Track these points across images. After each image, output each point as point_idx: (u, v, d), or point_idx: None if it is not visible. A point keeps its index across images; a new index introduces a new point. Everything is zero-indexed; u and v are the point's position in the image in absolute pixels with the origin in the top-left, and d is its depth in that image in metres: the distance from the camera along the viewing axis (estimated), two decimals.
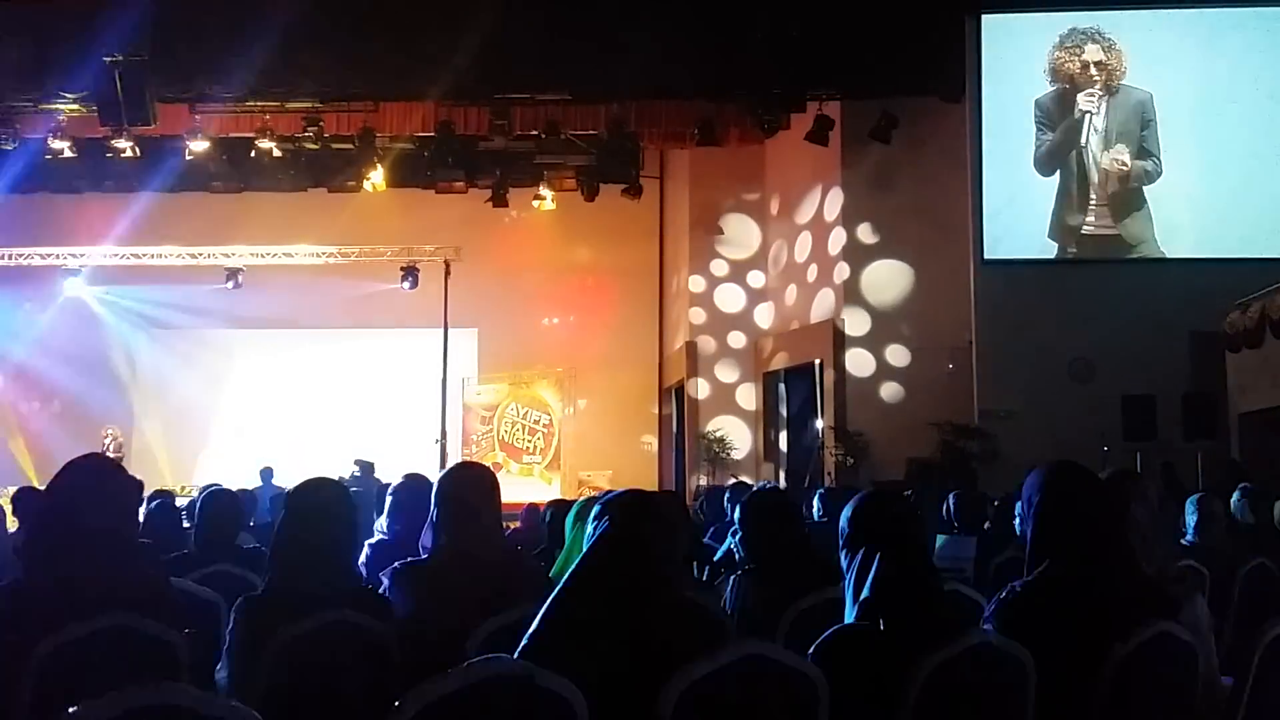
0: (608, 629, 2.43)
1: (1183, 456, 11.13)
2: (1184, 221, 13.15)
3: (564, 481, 17.08)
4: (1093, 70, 13.10)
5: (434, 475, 12.66)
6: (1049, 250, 13.18)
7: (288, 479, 12.00)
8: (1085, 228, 13.10)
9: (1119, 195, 13.09)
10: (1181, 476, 10.44)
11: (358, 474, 13.03)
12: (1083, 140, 13.12)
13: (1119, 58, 13.09)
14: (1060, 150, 13.18)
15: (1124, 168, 13.02)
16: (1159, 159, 13.02)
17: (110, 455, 12.94)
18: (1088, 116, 13.09)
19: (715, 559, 6.11)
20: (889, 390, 14.50)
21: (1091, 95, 13.10)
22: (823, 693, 2.30)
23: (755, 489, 5.32)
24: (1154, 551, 3.16)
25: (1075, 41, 13.15)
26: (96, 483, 2.78)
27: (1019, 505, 3.02)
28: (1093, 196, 13.12)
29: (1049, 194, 13.20)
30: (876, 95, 13.88)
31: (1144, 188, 13.09)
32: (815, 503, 7.53)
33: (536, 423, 17.76)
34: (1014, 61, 13.34)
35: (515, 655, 2.26)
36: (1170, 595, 2.84)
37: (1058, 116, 13.22)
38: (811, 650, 2.47)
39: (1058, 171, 13.17)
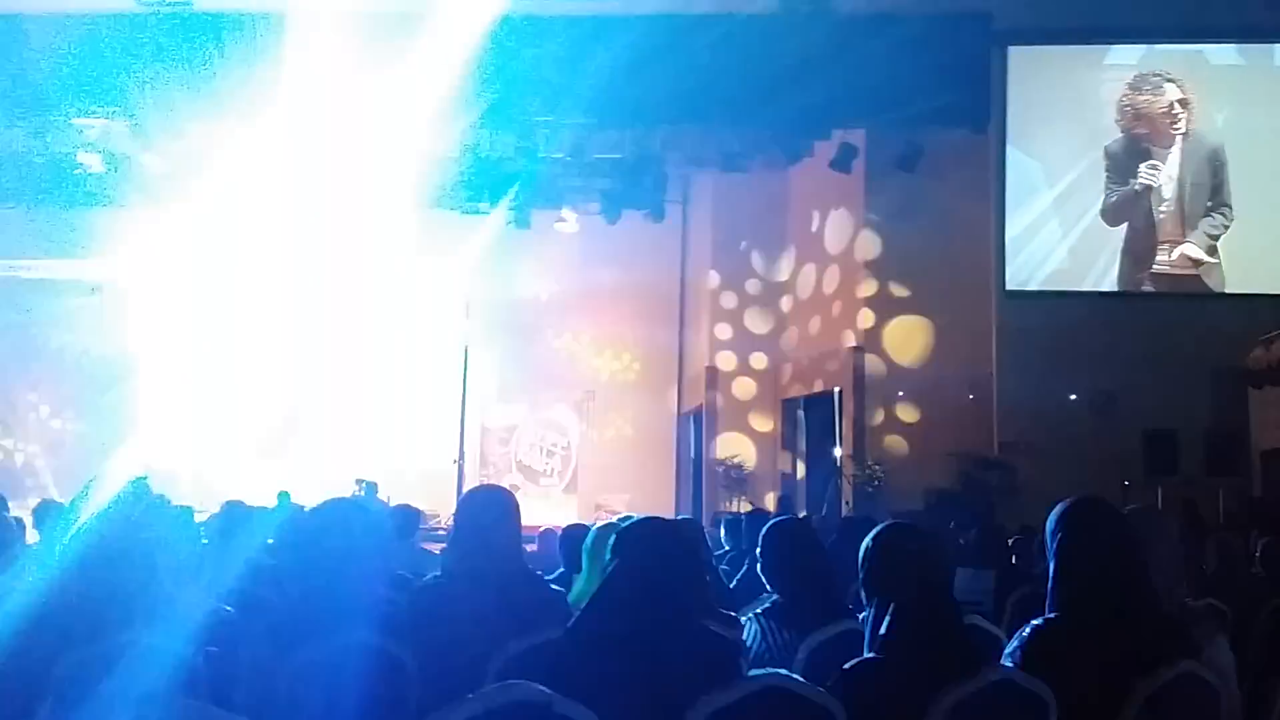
0: (625, 658, 2.43)
1: (1204, 493, 11.05)
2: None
3: (581, 505, 17.06)
4: (1176, 110, 13.03)
5: (452, 497, 12.67)
6: (1082, 285, 13.13)
7: (306, 499, 12.03)
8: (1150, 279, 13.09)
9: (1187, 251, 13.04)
10: (1203, 513, 10.35)
11: (360, 494, 13.09)
12: (1154, 191, 13.08)
13: (1190, 102, 13.01)
14: (1129, 201, 13.13)
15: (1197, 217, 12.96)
16: (1230, 208, 12.95)
17: (136, 472, 12.99)
18: (1159, 167, 13.00)
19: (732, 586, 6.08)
20: (908, 420, 14.44)
21: (1164, 146, 13.01)
22: None
23: (774, 517, 5.31)
24: (1176, 589, 3.13)
25: (1151, 86, 13.07)
26: (123, 503, 2.79)
27: (1042, 539, 3.00)
28: (1162, 247, 13.07)
29: (1072, 226, 13.18)
30: (901, 125, 13.88)
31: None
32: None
33: (554, 445, 17.76)
34: (1041, 94, 13.35)
35: (533, 682, 2.26)
36: (1192, 634, 2.82)
37: (1126, 165, 13.14)
38: (830, 682, 2.46)
39: (1125, 223, 13.13)
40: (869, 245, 14.86)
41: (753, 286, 17.14)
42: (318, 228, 17.78)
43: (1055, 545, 2.83)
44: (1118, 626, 2.68)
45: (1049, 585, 2.84)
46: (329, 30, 12.72)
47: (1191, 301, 12.86)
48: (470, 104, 13.11)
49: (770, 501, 15.36)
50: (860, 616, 2.78)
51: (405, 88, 13.13)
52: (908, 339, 14.58)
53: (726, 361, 17.05)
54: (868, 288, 14.80)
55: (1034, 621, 2.79)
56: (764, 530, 3.94)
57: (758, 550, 3.89)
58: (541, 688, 1.96)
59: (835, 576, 3.82)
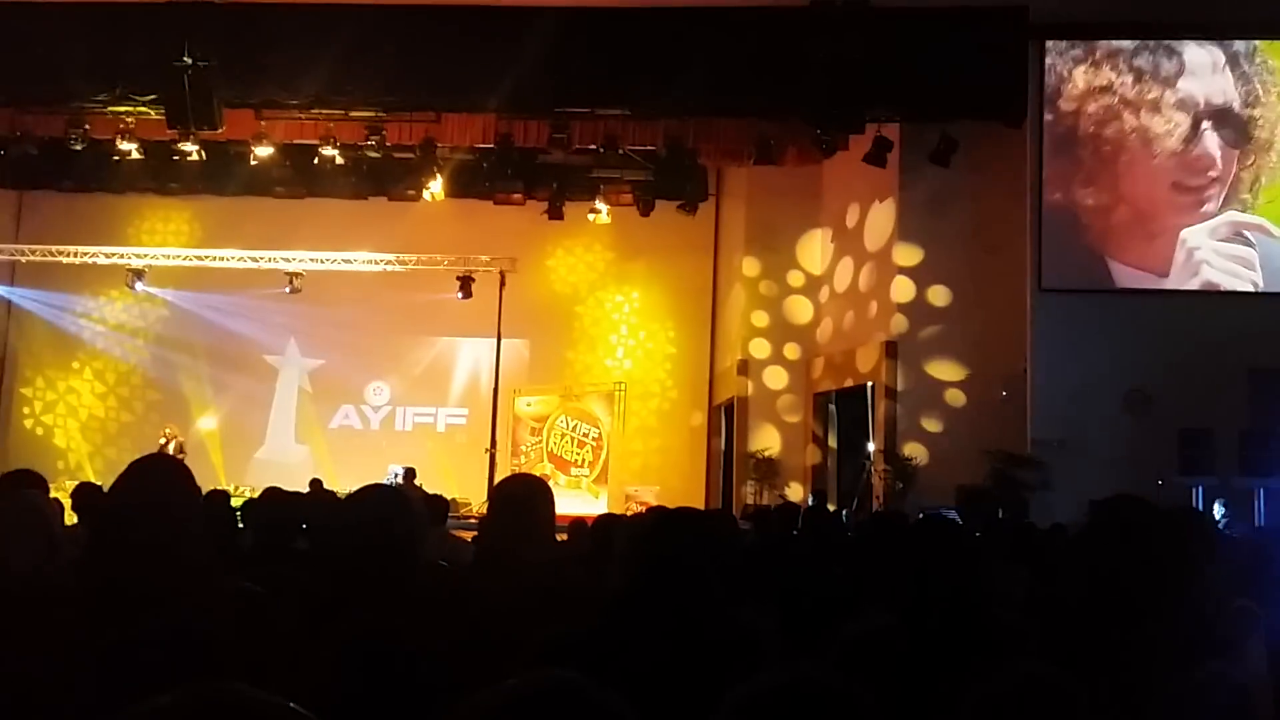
0: (658, 647, 2.44)
1: (1240, 492, 10.95)
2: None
3: (611, 495, 17.10)
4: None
5: (483, 485, 12.74)
6: (1107, 280, 13.00)
7: (338, 485, 12.15)
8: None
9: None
10: (1240, 513, 10.28)
11: (399, 482, 13.18)
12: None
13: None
14: None
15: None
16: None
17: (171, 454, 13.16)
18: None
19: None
20: (940, 416, 14.38)
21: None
22: (873, 718, 2.29)
23: (805, 510, 5.31)
24: (1211, 588, 3.11)
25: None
26: (158, 486, 2.82)
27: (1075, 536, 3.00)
28: None
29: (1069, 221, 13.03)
30: (936, 118, 13.80)
31: None
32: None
33: (586, 435, 17.80)
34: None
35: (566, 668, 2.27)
36: (1226, 633, 2.81)
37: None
38: (856, 669, 2.46)
39: None
40: (902, 239, 14.79)
41: (785, 280, 17.10)
42: (353, 218, 17.92)
43: (1087, 540, 2.82)
44: (1150, 624, 2.67)
45: (1082, 580, 2.83)
46: (366, 19, 12.80)
47: (1229, 299, 12.72)
48: (503, 94, 13.15)
49: (800, 494, 15.36)
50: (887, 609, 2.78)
51: (442, 79, 13.21)
52: (941, 334, 14.52)
53: (760, 351, 17.03)
54: (901, 281, 14.74)
55: (1063, 615, 2.78)
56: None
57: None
58: (576, 674, 1.97)
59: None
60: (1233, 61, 12.77)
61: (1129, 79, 12.77)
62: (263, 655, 2.93)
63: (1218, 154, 12.59)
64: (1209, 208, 12.70)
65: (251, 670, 2.71)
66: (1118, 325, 12.72)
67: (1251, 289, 12.59)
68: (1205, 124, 12.64)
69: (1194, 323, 12.43)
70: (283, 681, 2.79)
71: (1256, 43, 12.80)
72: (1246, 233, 12.54)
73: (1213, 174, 12.57)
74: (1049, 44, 13.07)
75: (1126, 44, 12.93)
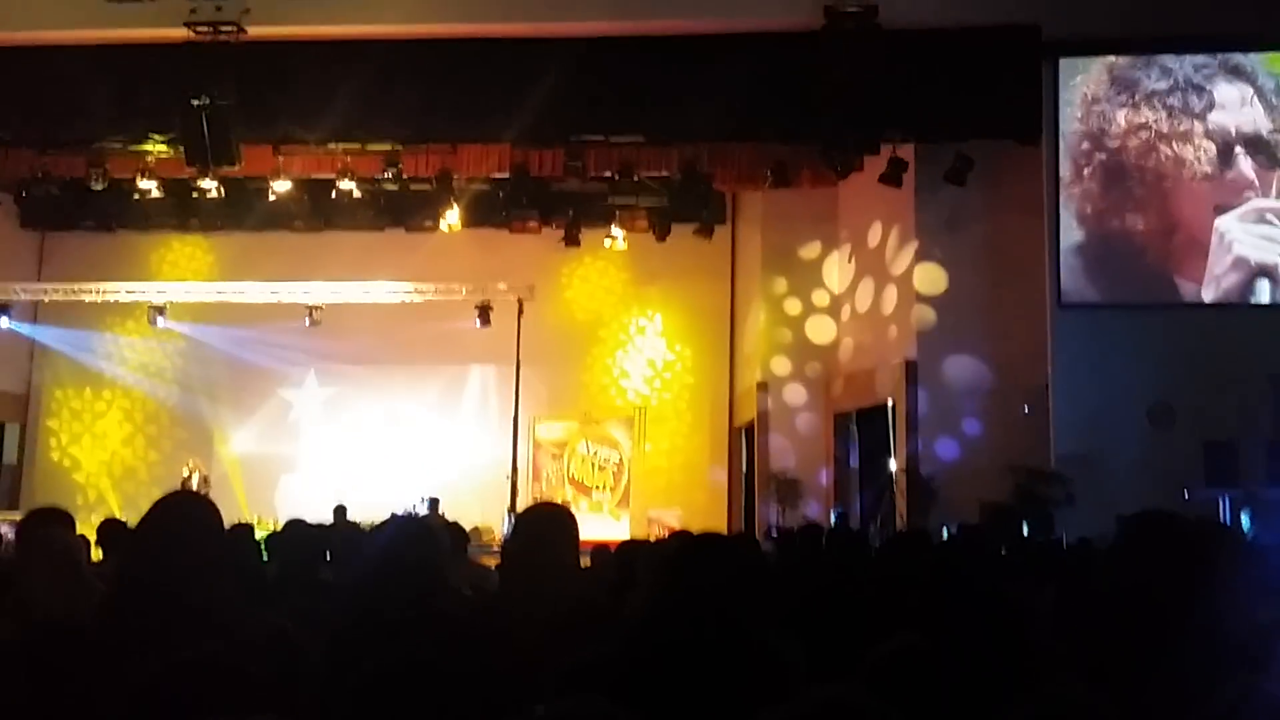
0: (683, 673, 2.44)
1: (1267, 503, 10.86)
2: None
3: (633, 520, 17.08)
4: None
5: (504, 511, 12.73)
6: (1175, 296, 12.94)
7: (361, 514, 12.17)
8: None
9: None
10: (1267, 523, 10.18)
11: (422, 511, 13.19)
12: None
13: None
14: None
15: None
16: None
17: (196, 490, 13.22)
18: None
19: None
20: (962, 433, 14.33)
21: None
22: None
23: (828, 531, 5.29)
24: (1243, 602, 3.08)
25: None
26: (185, 522, 2.84)
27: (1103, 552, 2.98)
28: None
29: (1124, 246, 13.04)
30: (951, 138, 13.81)
31: None
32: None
33: (606, 460, 17.80)
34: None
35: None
36: (1261, 648, 2.78)
37: None
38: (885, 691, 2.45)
39: None
40: (920, 258, 14.78)
41: (803, 301, 17.11)
42: (371, 249, 18.02)
43: (1120, 560, 2.80)
44: (1180, 640, 2.64)
45: (1109, 597, 2.81)
46: (382, 53, 12.90)
47: (1251, 310, 12.65)
48: (519, 125, 13.23)
49: (823, 515, 15.30)
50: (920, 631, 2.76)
51: (458, 110, 13.30)
52: (961, 351, 14.48)
53: (777, 376, 17.01)
54: (920, 300, 14.72)
55: (1091, 635, 2.76)
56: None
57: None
58: (603, 701, 1.97)
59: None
60: (1260, 94, 12.91)
61: (1164, 114, 12.95)
62: (291, 689, 2.93)
63: (1254, 176, 12.79)
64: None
65: (281, 705, 2.72)
66: (1139, 339, 12.66)
67: (1279, 262, 12.68)
68: (1238, 149, 12.81)
69: (1216, 334, 12.36)
70: (312, 715, 2.80)
71: None
72: (1270, 216, 12.69)
73: (1250, 194, 12.75)
74: (1092, 89, 13.08)
75: (1162, 85, 12.98)
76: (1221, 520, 10.30)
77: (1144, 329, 12.75)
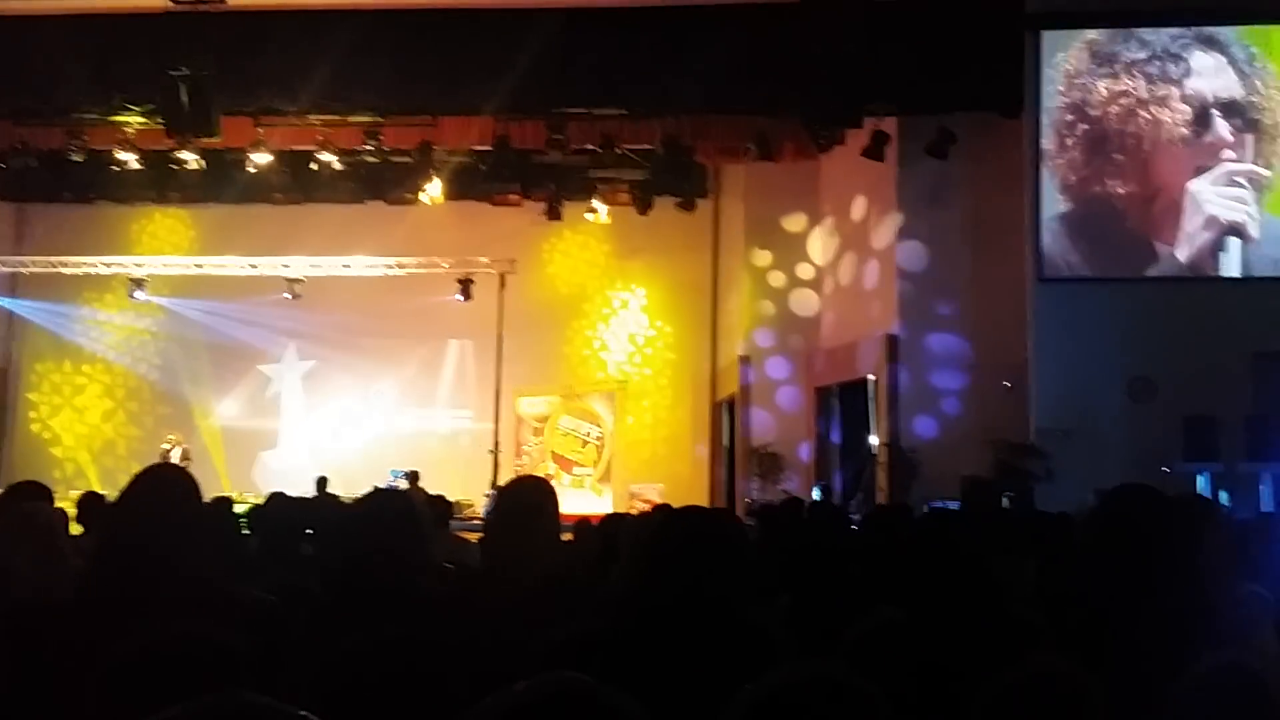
0: (667, 648, 2.44)
1: (1245, 478, 10.94)
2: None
3: (615, 494, 17.10)
4: None
5: (487, 486, 12.72)
6: (1152, 259, 13.00)
7: (342, 488, 12.16)
8: None
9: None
10: (1245, 500, 10.26)
11: (403, 484, 13.19)
12: None
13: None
14: None
15: None
16: None
17: (176, 463, 13.16)
18: None
19: None
20: (943, 407, 14.38)
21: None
22: (884, 714, 2.29)
23: (810, 505, 5.30)
24: (1223, 577, 3.11)
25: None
26: (166, 495, 2.82)
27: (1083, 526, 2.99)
28: None
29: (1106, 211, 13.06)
30: (933, 111, 13.79)
31: None
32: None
33: (588, 435, 17.80)
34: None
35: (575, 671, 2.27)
36: (1239, 622, 2.80)
37: None
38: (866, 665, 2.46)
39: None
40: (902, 232, 14.78)
41: (785, 275, 17.10)
42: (352, 222, 17.92)
43: (1099, 533, 2.82)
44: (1158, 614, 2.66)
45: (1089, 572, 2.83)
46: (363, 24, 12.79)
47: (1231, 285, 12.71)
48: (500, 97, 13.15)
49: (804, 490, 15.35)
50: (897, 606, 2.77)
51: (439, 82, 13.21)
52: (942, 325, 14.52)
53: (759, 350, 17.03)
54: (902, 274, 14.73)
55: (1073, 607, 2.78)
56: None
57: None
58: (586, 676, 1.97)
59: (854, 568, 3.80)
60: (1232, 62, 12.94)
61: (1142, 81, 12.98)
62: (273, 663, 2.93)
63: (1230, 138, 12.85)
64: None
65: (262, 679, 2.71)
66: (1120, 313, 12.70)
67: (1247, 220, 12.73)
68: (1214, 112, 12.88)
69: (1197, 308, 12.41)
70: (294, 689, 2.80)
71: (1254, 48, 12.93)
72: (1239, 179, 12.78)
73: (1226, 154, 12.82)
74: (1074, 64, 13.06)
75: (1140, 55, 12.97)
76: (1202, 495, 10.37)
77: (1125, 303, 12.79)
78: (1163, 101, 12.98)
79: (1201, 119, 12.92)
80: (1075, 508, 7.37)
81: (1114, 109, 13.09)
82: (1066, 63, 13.08)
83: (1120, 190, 13.04)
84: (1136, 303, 12.73)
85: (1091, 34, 13.09)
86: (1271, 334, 11.75)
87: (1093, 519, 2.88)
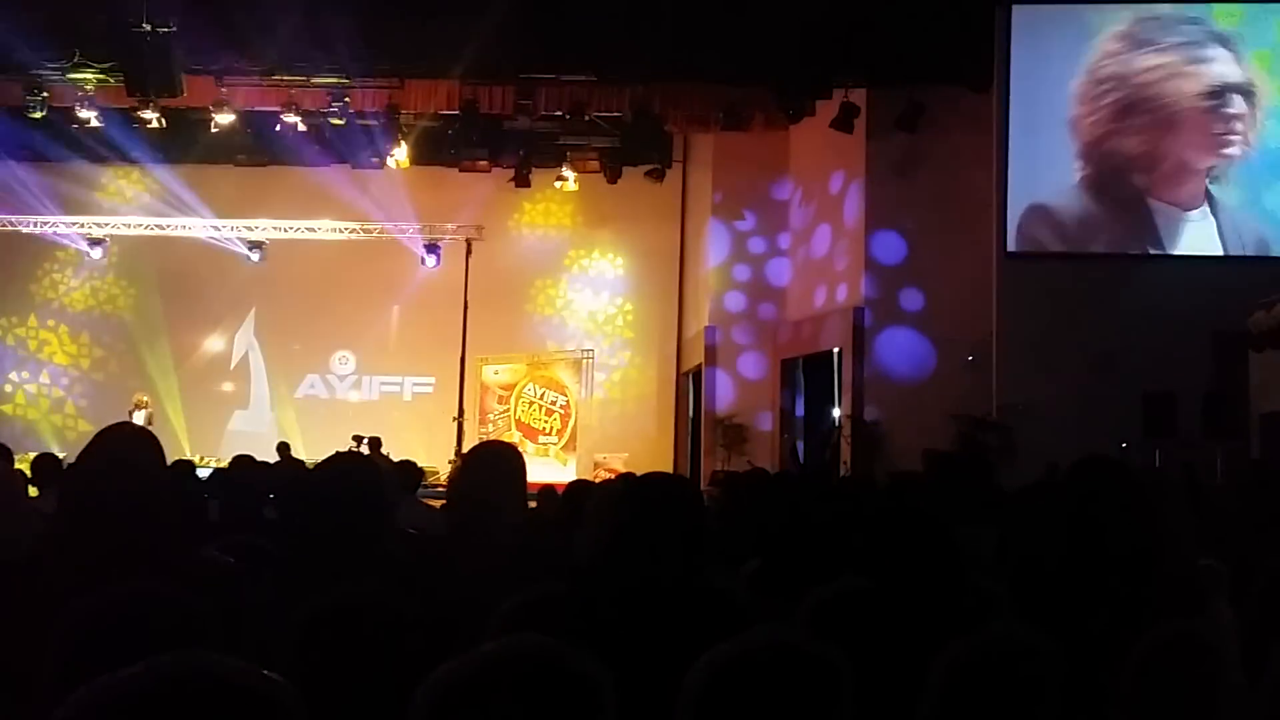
0: (630, 613, 2.45)
1: (1203, 455, 11.07)
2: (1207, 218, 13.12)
3: (580, 463, 17.10)
4: None
5: (451, 453, 12.62)
6: (1073, 245, 13.11)
7: (304, 453, 12.09)
8: None
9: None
10: (1201, 476, 10.37)
11: (363, 450, 13.13)
12: None
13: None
14: None
15: None
16: None
17: (141, 424, 13.03)
18: None
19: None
20: (907, 381, 14.45)
21: None
22: (846, 680, 2.30)
23: (774, 475, 5.31)
24: (1179, 549, 3.15)
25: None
26: (127, 452, 2.79)
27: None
28: None
29: (1072, 188, 13.15)
30: (903, 83, 13.80)
31: None
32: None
33: (554, 404, 17.78)
34: (1044, 53, 13.26)
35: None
36: (1195, 593, 2.84)
37: None
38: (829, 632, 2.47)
39: None
40: (870, 205, 14.79)
41: (752, 246, 17.11)
42: (316, 185, 17.74)
43: (1056, 503, 2.84)
44: (1118, 584, 2.69)
45: (1050, 541, 2.86)
46: None
47: (1193, 264, 12.83)
48: (468, 60, 13.03)
49: (768, 460, 15.41)
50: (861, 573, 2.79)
51: (406, 44, 13.06)
52: (908, 299, 14.57)
53: (725, 321, 17.04)
54: (869, 247, 14.75)
55: (1035, 577, 2.80)
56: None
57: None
58: (550, 639, 1.97)
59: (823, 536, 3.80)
60: (1222, 41, 13.07)
61: (1152, 55, 13.15)
62: (235, 623, 2.91)
63: (1233, 115, 13.14)
64: (1233, 150, 13.08)
65: (224, 638, 2.69)
66: (1083, 290, 12.80)
67: (1224, 200, 13.05)
68: (1217, 84, 13.15)
69: (1158, 286, 12.53)
70: (255, 649, 2.78)
71: (1236, 30, 13.07)
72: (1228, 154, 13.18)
73: (1232, 110, 13.08)
74: (1112, 45, 13.13)
75: (1173, 39, 13.11)
76: (1161, 469, 10.50)
77: (1089, 280, 12.89)
78: (1187, 76, 13.18)
79: (1218, 95, 13.11)
80: (1034, 480, 7.44)
81: (1145, 78, 13.29)
82: (1107, 43, 13.28)
83: (1132, 151, 13.19)
84: (1099, 280, 12.85)
85: (1131, 16, 13.28)
86: (1231, 312, 11.87)
87: (1055, 490, 2.90)
